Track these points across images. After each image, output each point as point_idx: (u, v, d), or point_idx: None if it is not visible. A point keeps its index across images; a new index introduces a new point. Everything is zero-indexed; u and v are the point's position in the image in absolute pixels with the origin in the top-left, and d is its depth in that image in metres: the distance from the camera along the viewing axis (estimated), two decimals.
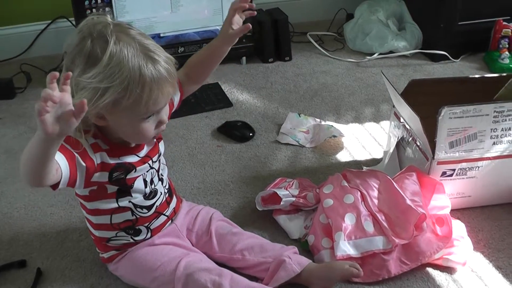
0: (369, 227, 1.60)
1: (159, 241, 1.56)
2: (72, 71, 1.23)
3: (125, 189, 1.47)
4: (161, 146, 1.55)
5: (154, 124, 1.37)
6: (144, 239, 1.56)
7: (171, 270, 1.48)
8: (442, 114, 1.63)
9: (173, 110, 1.56)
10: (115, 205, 1.47)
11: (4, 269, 1.64)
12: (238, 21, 1.52)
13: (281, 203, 1.74)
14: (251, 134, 2.24)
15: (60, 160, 1.27)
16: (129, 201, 1.48)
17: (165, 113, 1.38)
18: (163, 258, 1.51)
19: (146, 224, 1.54)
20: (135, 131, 1.35)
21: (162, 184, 1.56)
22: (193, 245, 1.62)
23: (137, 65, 1.25)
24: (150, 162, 1.49)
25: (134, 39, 1.28)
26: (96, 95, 1.24)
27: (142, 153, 1.47)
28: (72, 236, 1.76)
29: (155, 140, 1.51)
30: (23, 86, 2.66)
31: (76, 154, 1.31)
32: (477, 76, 2.18)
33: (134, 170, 1.45)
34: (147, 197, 1.51)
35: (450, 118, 1.64)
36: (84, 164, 1.33)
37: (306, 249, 1.66)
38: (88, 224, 1.55)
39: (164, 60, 1.30)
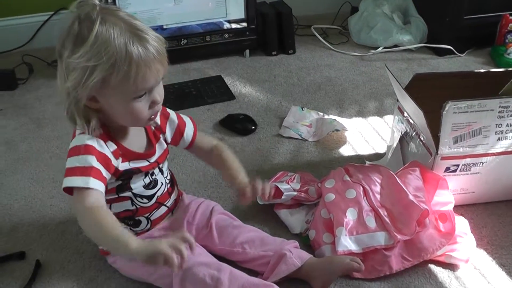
0: (371, 222, 1.59)
1: (159, 234, 1.55)
2: (62, 54, 1.28)
3: (125, 184, 1.47)
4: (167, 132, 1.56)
5: (147, 105, 1.35)
6: (143, 230, 1.55)
7: None
8: (446, 108, 1.61)
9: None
10: (114, 195, 1.47)
11: (3, 260, 1.63)
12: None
13: (283, 197, 1.72)
14: (253, 128, 2.23)
15: (99, 187, 1.34)
16: (129, 191, 1.48)
17: (157, 93, 1.36)
18: None
19: (146, 215, 1.54)
20: (128, 111, 1.34)
21: (162, 174, 1.56)
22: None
23: (123, 42, 1.25)
24: (156, 168, 1.52)
25: (121, 19, 1.29)
26: (85, 74, 1.25)
27: (153, 158, 1.50)
28: (71, 228, 1.75)
29: (154, 127, 1.52)
30: (25, 77, 2.67)
31: (106, 175, 1.38)
32: (482, 70, 2.16)
33: (139, 173, 1.47)
34: (146, 186, 1.51)
35: (454, 113, 1.63)
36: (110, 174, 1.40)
37: (307, 243, 1.65)
38: None
39: (152, 38, 1.30)
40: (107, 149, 1.38)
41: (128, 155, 1.44)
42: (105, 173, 1.36)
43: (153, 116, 1.40)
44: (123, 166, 1.43)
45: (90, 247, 1.65)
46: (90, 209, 1.31)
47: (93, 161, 1.34)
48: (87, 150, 1.34)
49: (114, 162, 1.39)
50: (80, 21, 1.27)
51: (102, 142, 1.37)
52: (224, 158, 1.63)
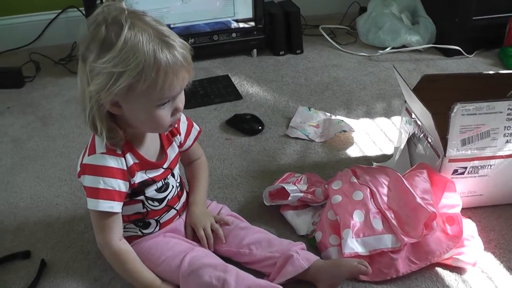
0: (378, 225, 1.58)
1: (165, 235, 1.55)
2: (87, 57, 1.26)
3: (140, 190, 1.48)
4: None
5: (169, 112, 1.35)
6: (152, 233, 1.55)
7: (176, 265, 1.46)
8: (454, 110, 1.60)
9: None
10: (126, 199, 1.46)
11: (8, 259, 1.63)
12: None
13: (289, 198, 1.72)
14: (260, 128, 2.22)
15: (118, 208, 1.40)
16: (142, 195, 1.48)
17: (180, 101, 1.36)
18: (168, 252, 1.50)
19: (156, 218, 1.54)
20: (151, 119, 1.33)
21: (173, 177, 1.56)
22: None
23: (151, 49, 1.23)
24: (169, 174, 1.53)
25: (148, 25, 1.27)
26: (111, 80, 1.23)
27: (166, 164, 1.50)
28: (77, 227, 1.75)
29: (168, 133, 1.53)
30: (32, 75, 2.68)
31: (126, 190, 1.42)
32: (491, 72, 2.14)
33: (153, 183, 1.48)
34: (158, 189, 1.50)
35: (462, 115, 1.62)
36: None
37: (313, 245, 1.64)
38: None
39: (179, 45, 1.29)
40: (125, 165, 1.39)
41: (145, 165, 1.44)
42: (126, 189, 1.41)
43: (174, 123, 1.41)
44: (140, 177, 1.44)
45: (95, 247, 1.63)
46: (118, 254, 1.43)
47: (117, 184, 1.38)
48: (110, 173, 1.37)
49: (131, 179, 1.41)
50: (107, 25, 1.24)
51: (122, 159, 1.38)
52: (197, 178, 1.70)
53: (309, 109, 2.32)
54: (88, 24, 1.28)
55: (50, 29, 2.94)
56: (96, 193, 1.36)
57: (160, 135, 1.51)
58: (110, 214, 1.38)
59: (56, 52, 2.84)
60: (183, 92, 1.36)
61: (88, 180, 1.37)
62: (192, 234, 1.60)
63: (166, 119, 1.35)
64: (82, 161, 1.42)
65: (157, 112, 1.32)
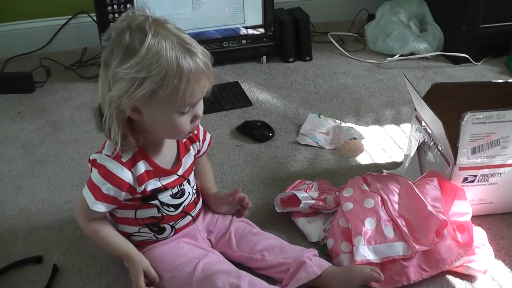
0: (389, 232, 1.58)
1: (179, 240, 1.56)
2: (110, 63, 1.28)
3: (152, 195, 1.49)
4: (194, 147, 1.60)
5: (189, 119, 1.37)
6: (166, 238, 1.56)
7: (189, 271, 1.47)
8: (465, 119, 1.61)
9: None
10: (139, 202, 1.48)
11: (20, 264, 1.64)
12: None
13: (300, 205, 1.72)
14: (270, 135, 2.23)
15: (98, 207, 1.43)
16: (156, 199, 1.49)
17: (200, 108, 1.38)
18: (181, 258, 1.50)
19: (171, 223, 1.55)
20: (171, 125, 1.35)
21: (189, 184, 1.57)
22: (212, 246, 1.62)
23: (174, 56, 1.25)
24: (184, 181, 1.54)
25: (171, 32, 1.28)
26: (133, 86, 1.25)
27: (180, 171, 1.51)
28: None
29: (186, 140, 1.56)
30: (42, 80, 2.68)
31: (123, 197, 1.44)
32: (500, 81, 2.15)
33: (165, 190, 1.49)
34: (174, 195, 1.51)
35: (473, 124, 1.62)
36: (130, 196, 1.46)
37: (324, 252, 1.64)
38: (109, 218, 1.55)
39: (200, 53, 1.30)
40: (127, 175, 1.40)
41: (159, 172, 1.45)
42: (118, 196, 1.42)
43: (193, 130, 1.43)
44: (152, 184, 1.45)
45: (107, 252, 1.65)
46: (91, 227, 1.50)
47: (106, 187, 1.39)
48: (107, 175, 1.39)
49: (138, 187, 1.42)
50: (132, 31, 1.26)
51: (124, 168, 1.39)
52: (202, 169, 1.75)
53: (319, 116, 2.32)
54: (112, 30, 1.30)
55: (60, 34, 2.95)
56: (88, 183, 1.42)
57: (177, 142, 1.52)
58: (91, 210, 1.42)
59: (66, 57, 2.85)
60: (202, 99, 1.38)
61: (92, 173, 1.42)
62: (228, 208, 1.68)
63: (185, 125, 1.36)
64: (90, 156, 1.46)
65: (177, 119, 1.34)
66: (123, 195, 1.41)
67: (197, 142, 1.59)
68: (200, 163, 1.72)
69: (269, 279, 1.51)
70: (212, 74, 1.34)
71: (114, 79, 1.27)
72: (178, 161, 1.52)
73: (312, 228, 1.72)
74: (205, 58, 1.31)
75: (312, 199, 1.74)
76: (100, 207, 1.41)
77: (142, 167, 1.42)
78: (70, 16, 2.94)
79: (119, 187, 1.39)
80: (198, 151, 1.61)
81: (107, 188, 1.39)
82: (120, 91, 1.26)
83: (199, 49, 1.31)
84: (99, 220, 1.49)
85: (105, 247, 1.54)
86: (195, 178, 1.66)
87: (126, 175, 1.39)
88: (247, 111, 2.43)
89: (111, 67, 1.28)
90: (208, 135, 1.66)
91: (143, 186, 1.43)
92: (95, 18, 2.64)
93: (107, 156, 1.39)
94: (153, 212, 1.50)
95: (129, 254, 1.50)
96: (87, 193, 1.41)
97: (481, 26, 2.75)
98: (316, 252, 1.58)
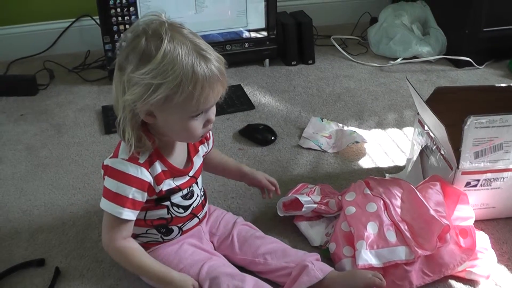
0: (392, 236, 1.58)
1: (183, 242, 1.56)
2: (125, 67, 1.29)
3: (166, 196, 1.49)
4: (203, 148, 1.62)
5: (202, 123, 1.38)
6: (172, 239, 1.56)
7: (194, 273, 1.47)
8: (468, 123, 1.61)
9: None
10: (152, 204, 1.48)
11: (22, 267, 1.64)
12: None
13: (303, 209, 1.72)
14: (273, 138, 2.23)
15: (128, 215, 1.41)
16: (168, 201, 1.50)
17: (212, 113, 1.40)
18: (186, 261, 1.51)
19: (179, 225, 1.55)
20: (184, 129, 1.36)
21: (197, 186, 1.58)
22: (215, 248, 1.62)
23: (190, 62, 1.26)
24: (194, 183, 1.55)
25: (187, 38, 1.29)
26: (148, 91, 1.26)
27: (192, 172, 1.53)
28: (91, 235, 1.75)
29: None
30: (46, 83, 2.69)
31: (143, 199, 1.43)
32: (503, 85, 2.15)
33: (179, 190, 1.50)
34: (184, 196, 1.52)
35: (476, 128, 1.62)
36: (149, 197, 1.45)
37: (327, 256, 1.64)
38: None
39: (215, 59, 1.31)
40: (146, 175, 1.40)
41: (173, 172, 1.47)
42: (142, 199, 1.41)
43: (205, 134, 1.45)
44: (167, 184, 1.46)
45: (109, 256, 1.65)
46: (122, 251, 1.44)
47: (131, 192, 1.39)
48: (127, 179, 1.38)
49: (156, 187, 1.43)
50: (147, 37, 1.27)
51: (142, 169, 1.39)
52: (218, 158, 1.76)
53: (322, 120, 2.33)
54: (128, 34, 1.31)
55: (64, 37, 2.95)
56: (109, 195, 1.39)
57: (187, 143, 1.54)
58: (119, 218, 1.40)
59: (70, 60, 2.86)
60: (215, 104, 1.39)
61: (107, 182, 1.40)
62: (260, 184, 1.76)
63: (198, 130, 1.38)
64: (104, 161, 1.45)
65: (191, 123, 1.35)
66: (137, 194, 1.40)
67: (206, 143, 1.61)
68: (213, 155, 1.73)
69: (271, 283, 1.51)
70: (226, 79, 1.35)
71: (129, 84, 1.28)
72: (189, 161, 1.54)
73: (314, 232, 1.72)
74: (219, 64, 1.32)
75: (315, 203, 1.74)
76: (130, 215, 1.40)
77: (158, 167, 1.43)
78: (73, 19, 2.94)
79: (141, 188, 1.39)
80: (208, 150, 1.64)
81: (131, 192, 1.39)
82: (134, 96, 1.28)
83: (213, 55, 1.32)
84: (132, 241, 1.47)
85: (136, 270, 1.49)
86: (216, 172, 1.71)
87: (146, 175, 1.40)
88: (249, 114, 2.43)
89: (126, 72, 1.29)
90: (211, 132, 1.66)
91: (160, 186, 1.44)
92: (98, 21, 2.64)
93: (124, 160, 1.39)
94: (163, 213, 1.51)
95: (169, 276, 1.45)
96: (109, 206, 1.40)
97: (484, 29, 2.75)
98: (318, 256, 1.57)
